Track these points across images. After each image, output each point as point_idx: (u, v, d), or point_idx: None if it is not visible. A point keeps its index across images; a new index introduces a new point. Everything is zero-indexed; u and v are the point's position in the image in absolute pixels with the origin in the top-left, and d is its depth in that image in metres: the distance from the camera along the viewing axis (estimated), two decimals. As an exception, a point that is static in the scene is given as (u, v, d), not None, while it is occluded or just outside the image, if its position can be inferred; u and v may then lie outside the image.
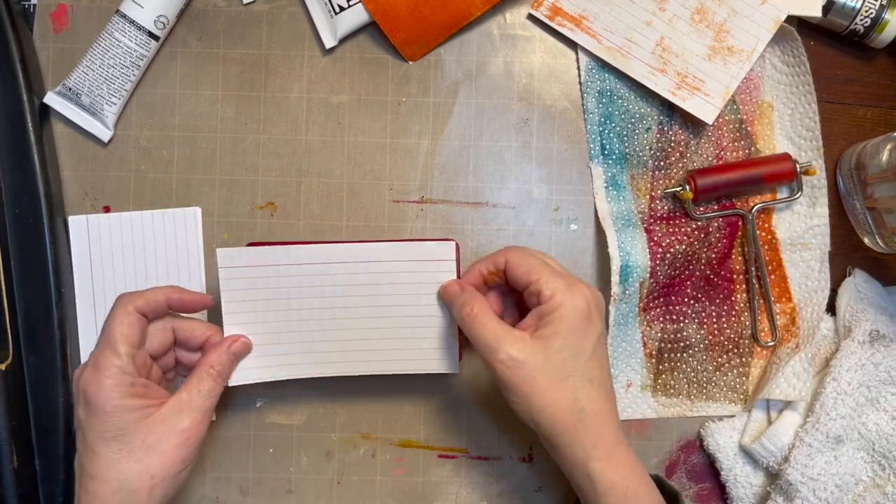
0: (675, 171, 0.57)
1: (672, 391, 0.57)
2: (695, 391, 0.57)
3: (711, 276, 0.57)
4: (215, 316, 0.51)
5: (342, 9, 0.54)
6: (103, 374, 0.44)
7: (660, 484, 0.49)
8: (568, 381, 0.45)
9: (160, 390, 0.47)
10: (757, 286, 0.57)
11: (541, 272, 0.46)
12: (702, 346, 0.57)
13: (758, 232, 0.57)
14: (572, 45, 0.56)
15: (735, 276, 0.57)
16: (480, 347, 0.46)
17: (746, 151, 0.57)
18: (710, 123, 0.56)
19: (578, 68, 0.57)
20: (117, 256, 0.55)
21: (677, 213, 0.57)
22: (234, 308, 0.50)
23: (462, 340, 0.52)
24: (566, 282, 0.46)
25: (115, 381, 0.44)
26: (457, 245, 0.51)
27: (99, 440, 0.44)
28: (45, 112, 0.54)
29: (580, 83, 0.57)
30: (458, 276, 0.51)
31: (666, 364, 0.57)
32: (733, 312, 0.57)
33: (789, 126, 0.57)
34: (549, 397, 0.44)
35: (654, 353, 0.57)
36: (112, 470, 0.44)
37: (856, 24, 0.55)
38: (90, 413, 0.44)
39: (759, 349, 0.57)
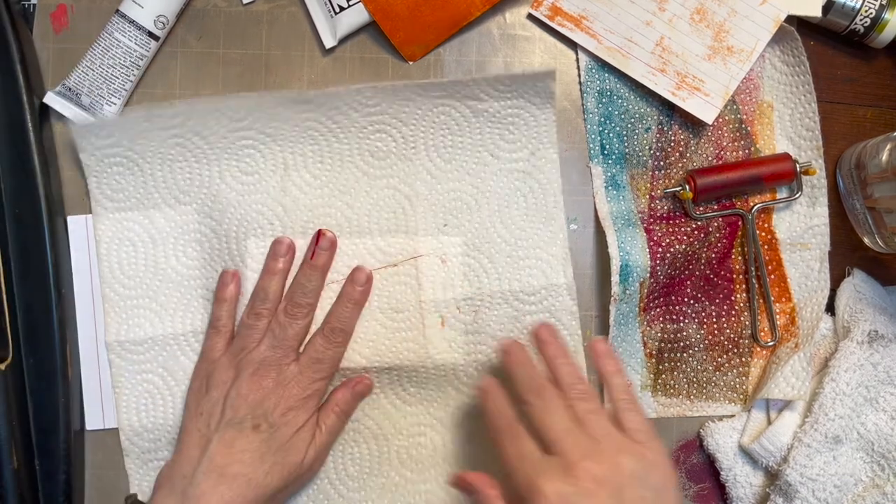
0: (675, 171, 0.57)
1: (672, 391, 0.57)
2: (695, 391, 0.57)
3: (711, 276, 0.57)
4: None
5: (342, 9, 0.54)
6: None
7: None
8: None
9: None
10: (757, 286, 0.57)
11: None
12: (702, 345, 0.57)
13: (757, 232, 0.57)
14: (572, 45, 0.56)
15: (735, 276, 0.57)
16: None
17: (746, 151, 0.57)
18: (710, 123, 0.56)
19: (578, 68, 0.57)
20: (117, 256, 0.55)
21: (677, 213, 0.57)
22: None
23: None
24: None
25: None
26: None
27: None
28: (45, 112, 0.54)
29: (580, 83, 0.57)
30: None
31: (666, 364, 0.57)
32: (733, 312, 0.57)
33: (789, 126, 0.57)
34: None
35: (654, 352, 0.57)
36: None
37: (856, 24, 0.55)
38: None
39: (758, 349, 0.57)
